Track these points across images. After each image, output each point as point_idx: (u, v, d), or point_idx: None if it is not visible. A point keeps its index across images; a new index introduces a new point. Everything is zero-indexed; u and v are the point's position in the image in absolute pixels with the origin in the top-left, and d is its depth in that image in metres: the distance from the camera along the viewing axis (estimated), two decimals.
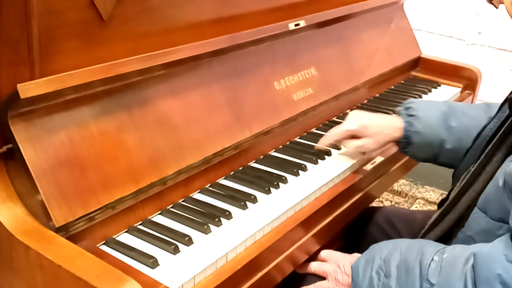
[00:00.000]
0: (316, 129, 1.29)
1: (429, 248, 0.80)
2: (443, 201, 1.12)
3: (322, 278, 0.98)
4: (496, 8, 0.88)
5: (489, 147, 0.84)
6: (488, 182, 0.83)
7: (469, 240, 0.82)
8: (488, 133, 0.96)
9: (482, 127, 1.01)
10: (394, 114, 1.14)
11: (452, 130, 1.08)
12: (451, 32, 2.18)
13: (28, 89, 0.74)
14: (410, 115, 1.09)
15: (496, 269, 0.69)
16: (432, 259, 0.78)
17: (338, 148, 1.17)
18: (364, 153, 1.13)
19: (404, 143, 1.09)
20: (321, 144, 1.14)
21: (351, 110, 1.42)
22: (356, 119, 1.09)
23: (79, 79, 0.80)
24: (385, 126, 1.09)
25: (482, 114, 1.10)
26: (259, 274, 0.87)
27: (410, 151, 1.10)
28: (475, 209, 0.82)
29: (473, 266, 0.73)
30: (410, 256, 0.81)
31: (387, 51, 1.55)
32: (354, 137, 1.09)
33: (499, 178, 0.78)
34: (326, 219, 1.02)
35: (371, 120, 1.09)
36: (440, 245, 0.82)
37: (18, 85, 0.74)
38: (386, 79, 1.56)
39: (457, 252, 0.77)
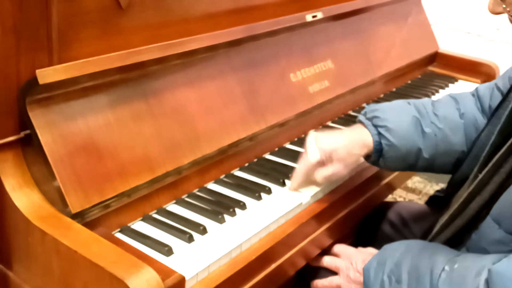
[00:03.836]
0: (331, 122, 1.28)
1: (440, 256, 0.80)
2: (435, 198, 1.11)
3: (335, 272, 0.98)
4: None
5: (496, 157, 0.82)
6: (495, 192, 0.82)
7: (483, 251, 0.81)
8: (484, 141, 0.92)
9: (477, 136, 0.98)
10: (357, 124, 1.00)
11: (427, 137, 0.98)
12: (469, 28, 2.15)
13: (46, 75, 0.75)
14: (378, 126, 0.97)
15: None
16: (443, 269, 0.77)
17: None
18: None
19: (375, 157, 0.98)
20: (293, 189, 0.97)
21: (367, 104, 1.41)
22: (319, 147, 0.93)
23: (97, 66, 0.81)
24: (352, 145, 0.95)
25: (452, 110, 1.03)
26: (273, 266, 0.87)
27: (382, 164, 0.99)
28: (489, 219, 0.81)
29: (487, 281, 0.72)
30: (421, 263, 0.80)
31: (404, 45, 1.54)
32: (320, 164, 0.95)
33: None
34: (341, 213, 1.02)
35: (335, 142, 0.94)
36: (452, 253, 0.81)
37: (37, 71, 0.74)
38: (403, 73, 1.55)
39: (469, 263, 0.77)
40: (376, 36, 1.45)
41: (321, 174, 0.95)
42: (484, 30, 2.12)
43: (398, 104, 1.03)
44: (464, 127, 1.02)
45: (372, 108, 1.00)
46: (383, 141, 0.96)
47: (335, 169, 0.94)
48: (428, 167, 1.02)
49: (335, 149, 0.93)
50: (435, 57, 1.69)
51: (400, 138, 0.96)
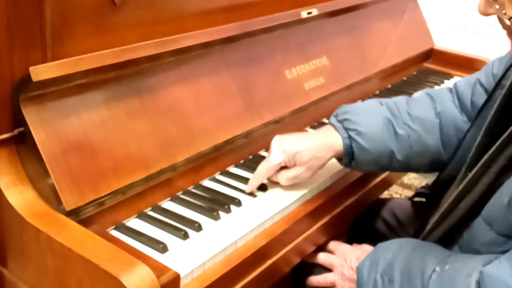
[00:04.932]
0: (327, 119, 1.28)
1: (431, 257, 0.80)
2: (420, 193, 1.11)
3: (330, 269, 0.98)
4: None
5: (485, 157, 0.82)
6: (484, 192, 0.82)
7: (475, 252, 0.81)
8: (470, 142, 0.92)
9: (462, 137, 0.96)
10: (327, 126, 0.99)
11: (400, 138, 0.96)
12: (464, 25, 2.16)
13: (40, 72, 0.74)
14: (349, 129, 0.95)
15: None
16: (434, 270, 0.77)
17: None
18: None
19: (347, 160, 0.96)
20: (250, 188, 0.95)
21: (362, 100, 1.41)
22: (282, 149, 0.93)
23: (90, 63, 0.80)
24: (317, 149, 0.94)
25: (428, 110, 1.01)
26: (268, 262, 0.87)
27: (355, 166, 0.98)
28: (480, 220, 0.81)
29: (478, 283, 0.72)
30: (413, 264, 0.80)
31: (399, 42, 1.54)
32: (283, 167, 0.95)
33: (503, 194, 0.76)
34: (336, 210, 1.02)
35: (299, 145, 0.93)
36: (443, 253, 0.81)
37: (30, 68, 0.74)
38: (398, 70, 1.55)
39: (459, 264, 0.77)
40: (372, 33, 1.45)
41: (284, 176, 0.94)
42: (480, 27, 2.12)
43: (371, 105, 1.01)
44: (440, 127, 1.00)
45: (344, 110, 0.98)
46: (353, 145, 0.95)
47: (298, 172, 0.94)
48: (403, 167, 1.01)
49: (298, 152, 0.93)
50: (431, 54, 1.70)
51: (372, 141, 0.94)
